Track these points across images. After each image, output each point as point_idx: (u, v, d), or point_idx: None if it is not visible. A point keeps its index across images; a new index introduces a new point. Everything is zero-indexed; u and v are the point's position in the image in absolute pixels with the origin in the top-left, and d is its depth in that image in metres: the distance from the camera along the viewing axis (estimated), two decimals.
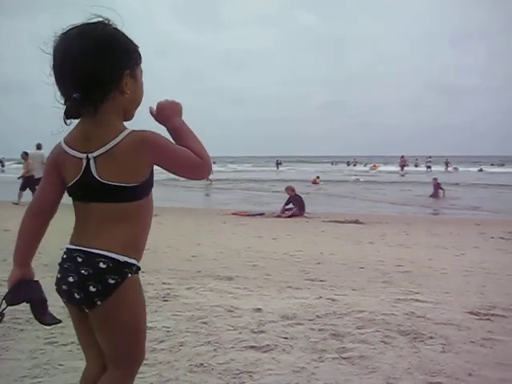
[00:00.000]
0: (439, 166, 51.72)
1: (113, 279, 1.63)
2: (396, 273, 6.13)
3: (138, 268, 1.74)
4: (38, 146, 16.85)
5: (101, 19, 1.67)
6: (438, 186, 22.54)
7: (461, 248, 8.47)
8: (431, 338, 3.63)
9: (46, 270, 4.16)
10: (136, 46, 1.73)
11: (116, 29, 1.69)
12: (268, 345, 3.45)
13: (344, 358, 3.25)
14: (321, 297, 4.73)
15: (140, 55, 1.75)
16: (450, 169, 50.11)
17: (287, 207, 15.00)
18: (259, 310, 4.26)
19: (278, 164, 61.69)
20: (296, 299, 4.66)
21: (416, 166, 55.22)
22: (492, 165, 62.05)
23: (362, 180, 33.57)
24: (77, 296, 1.66)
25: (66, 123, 1.65)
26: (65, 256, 1.72)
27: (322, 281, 5.58)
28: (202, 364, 3.13)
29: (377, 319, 4.02)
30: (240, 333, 3.70)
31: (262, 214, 14.85)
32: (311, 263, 6.71)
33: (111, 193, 1.65)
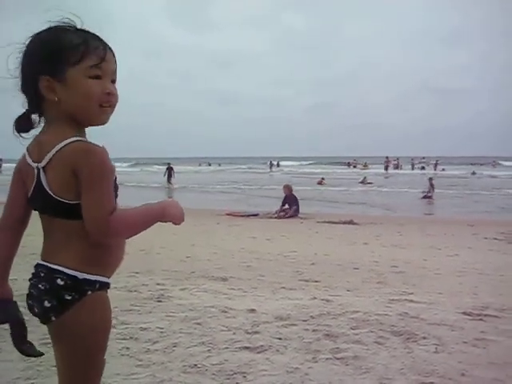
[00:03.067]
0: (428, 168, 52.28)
1: (69, 295, 1.56)
2: (390, 273, 6.14)
3: (104, 284, 1.65)
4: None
5: (54, 24, 1.61)
6: (431, 187, 22.72)
7: (454, 248, 8.51)
8: (424, 338, 3.64)
9: None
10: (75, 44, 1.57)
11: (56, 32, 1.60)
12: (262, 345, 3.45)
13: (338, 359, 3.25)
14: (315, 297, 4.74)
15: (83, 53, 1.57)
16: (437, 170, 50.46)
17: (284, 207, 15.02)
18: (253, 310, 4.26)
19: (272, 165, 61.48)
20: (290, 300, 4.66)
21: (412, 167, 55.43)
22: (481, 164, 62.35)
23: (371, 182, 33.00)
24: (36, 310, 1.62)
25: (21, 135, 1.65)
26: (33, 271, 1.65)
27: (316, 281, 5.59)
28: (195, 365, 3.14)
29: (371, 320, 4.03)
30: (234, 333, 3.70)
31: (256, 215, 14.85)
32: (305, 264, 6.72)
33: (60, 208, 1.56)
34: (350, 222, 12.58)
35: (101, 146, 1.57)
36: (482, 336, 3.72)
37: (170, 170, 30.24)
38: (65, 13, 1.62)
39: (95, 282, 1.62)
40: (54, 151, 1.53)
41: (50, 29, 1.61)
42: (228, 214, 14.56)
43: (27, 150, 1.63)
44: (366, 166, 60.21)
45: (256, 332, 3.73)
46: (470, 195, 24.23)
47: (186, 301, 4.57)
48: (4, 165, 46.20)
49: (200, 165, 77.63)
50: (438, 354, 3.38)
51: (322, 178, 33.19)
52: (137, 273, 5.74)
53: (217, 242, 8.79)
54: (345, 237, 10.01)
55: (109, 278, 1.68)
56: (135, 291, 4.88)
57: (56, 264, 1.58)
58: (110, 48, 1.65)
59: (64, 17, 1.62)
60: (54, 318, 1.59)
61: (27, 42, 1.60)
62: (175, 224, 1.64)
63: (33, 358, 3.11)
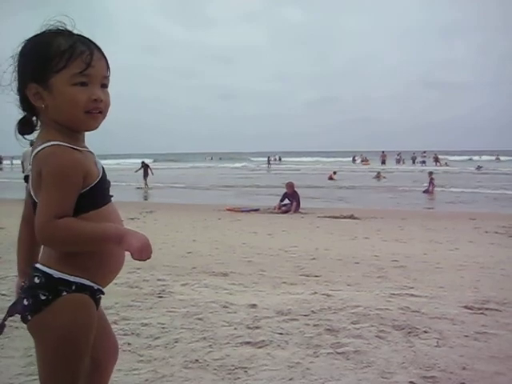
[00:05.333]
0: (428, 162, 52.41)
1: (44, 295, 1.56)
2: (391, 268, 6.14)
3: (84, 287, 1.62)
4: (32, 144, 16.93)
5: (49, 27, 1.63)
6: (431, 181, 22.74)
7: (455, 242, 8.50)
8: (426, 332, 3.64)
9: None
10: (60, 50, 1.57)
11: (47, 37, 1.61)
12: (263, 340, 3.45)
13: (339, 353, 3.25)
14: (316, 292, 4.74)
15: (66, 59, 1.57)
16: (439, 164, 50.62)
17: (283, 203, 15.06)
18: (254, 305, 4.26)
19: (270, 161, 61.36)
20: (291, 295, 4.66)
21: (414, 161, 55.59)
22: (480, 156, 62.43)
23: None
24: (18, 306, 1.64)
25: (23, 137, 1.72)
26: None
27: (317, 276, 5.59)
28: (197, 360, 3.14)
29: (371, 314, 4.03)
30: (235, 329, 3.70)
31: (256, 210, 14.86)
32: (306, 259, 6.72)
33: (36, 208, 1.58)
34: (351, 217, 12.58)
35: (82, 150, 1.63)
36: (484, 330, 3.71)
37: (145, 168, 26.68)
38: (59, 14, 1.63)
39: (72, 282, 1.60)
40: (32, 156, 1.58)
41: (41, 33, 1.62)
42: (229, 210, 14.55)
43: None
44: (366, 161, 59.89)
45: (257, 327, 3.74)
46: (473, 189, 24.22)
47: (187, 296, 4.57)
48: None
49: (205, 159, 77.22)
50: (440, 347, 3.37)
51: (334, 173, 32.66)
52: (138, 268, 5.74)
53: (218, 238, 8.79)
54: (346, 231, 10.00)
55: (98, 284, 1.67)
56: (136, 287, 4.89)
57: (38, 262, 1.63)
58: (100, 52, 1.65)
59: (58, 19, 1.63)
60: (29, 318, 1.60)
61: (20, 47, 1.63)
62: (135, 258, 1.52)
63: (35, 354, 3.14)
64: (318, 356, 3.22)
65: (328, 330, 3.69)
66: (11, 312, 1.69)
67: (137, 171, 26.88)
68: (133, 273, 5.47)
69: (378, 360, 3.14)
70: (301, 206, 14.97)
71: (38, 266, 1.61)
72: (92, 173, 1.61)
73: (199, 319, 3.92)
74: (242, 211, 14.42)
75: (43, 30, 1.62)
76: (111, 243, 1.56)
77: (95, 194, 1.62)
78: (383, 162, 52.38)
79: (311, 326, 3.76)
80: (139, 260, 1.51)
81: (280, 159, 70.39)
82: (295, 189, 15.47)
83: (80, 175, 1.57)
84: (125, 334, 3.55)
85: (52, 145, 1.55)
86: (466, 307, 4.28)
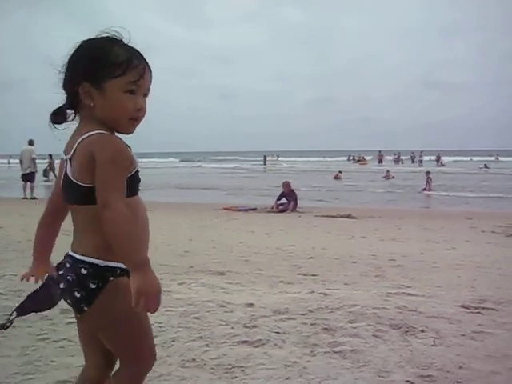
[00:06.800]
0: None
1: (93, 284, 1.67)
2: (388, 267, 6.15)
3: (125, 270, 1.68)
4: (30, 142, 16.87)
5: (105, 34, 1.76)
6: (429, 180, 23.10)
7: (452, 242, 8.53)
8: (422, 331, 3.64)
9: None
10: (118, 59, 1.72)
11: (97, 44, 1.76)
12: (260, 339, 3.45)
13: (336, 352, 3.26)
14: (313, 291, 4.74)
15: (124, 68, 1.71)
16: (439, 163, 50.72)
17: (279, 202, 15.07)
18: (251, 304, 4.26)
19: (266, 160, 61.26)
20: (288, 294, 4.66)
21: (413, 160, 55.63)
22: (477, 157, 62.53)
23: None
24: (68, 301, 1.76)
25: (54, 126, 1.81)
26: (60, 261, 1.80)
27: (314, 275, 5.60)
28: (194, 359, 3.14)
29: (369, 313, 4.03)
30: (232, 328, 3.70)
31: (254, 209, 14.85)
32: (303, 258, 6.73)
33: (77, 192, 1.69)
34: (348, 216, 12.58)
35: (124, 142, 1.74)
36: (480, 329, 3.72)
37: (50, 164, 24.49)
38: (115, 25, 1.78)
39: (116, 268, 1.72)
40: (79, 141, 1.69)
41: (98, 39, 1.77)
42: (226, 209, 14.54)
43: (64, 150, 1.79)
44: (363, 160, 59.79)
45: (254, 326, 3.73)
46: (472, 188, 24.29)
47: (184, 295, 4.57)
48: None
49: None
50: (436, 346, 3.38)
51: (340, 172, 32.65)
52: None
53: (215, 237, 8.79)
54: (343, 231, 10.02)
55: None
56: None
57: (79, 253, 1.72)
58: (149, 67, 1.81)
59: (114, 29, 1.78)
60: (85, 308, 1.71)
61: (77, 45, 1.76)
62: (135, 299, 1.56)
63: (32, 354, 3.15)
64: (314, 355, 3.22)
65: (325, 329, 3.69)
66: (25, 310, 1.75)
67: (46, 171, 25.90)
68: None
69: (375, 359, 3.15)
70: (298, 205, 14.97)
71: (82, 258, 1.70)
72: (134, 161, 1.75)
73: (196, 318, 3.91)
74: (239, 210, 14.42)
75: (99, 35, 1.76)
76: (131, 261, 1.60)
77: (134, 181, 1.76)
78: (380, 162, 52.64)
79: (308, 325, 3.76)
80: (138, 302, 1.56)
81: (278, 157, 70.31)
82: (292, 188, 15.47)
83: (130, 162, 1.71)
84: None
85: (101, 133, 1.68)
86: (462, 306, 4.29)
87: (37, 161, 17.41)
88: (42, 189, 20.43)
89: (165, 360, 3.12)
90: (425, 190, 22.92)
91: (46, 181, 25.80)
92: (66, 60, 1.76)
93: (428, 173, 24.05)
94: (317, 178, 31.83)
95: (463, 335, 3.59)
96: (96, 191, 1.62)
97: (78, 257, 1.71)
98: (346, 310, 4.14)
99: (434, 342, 3.45)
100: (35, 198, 16.65)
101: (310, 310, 4.12)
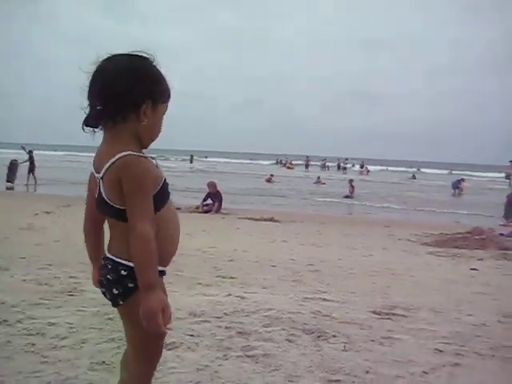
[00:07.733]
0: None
1: (131, 283, 1.86)
2: (306, 272, 6.25)
3: (159, 272, 1.86)
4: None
5: (144, 54, 1.89)
6: (351, 187, 23.92)
7: (370, 249, 8.79)
8: (334, 336, 3.73)
9: None
10: (168, 87, 1.92)
11: (154, 65, 1.90)
12: (173, 342, 3.40)
13: (248, 356, 3.27)
14: (230, 294, 4.75)
15: (169, 96, 1.94)
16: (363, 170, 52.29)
17: (205, 203, 14.99)
18: None
19: (193, 159, 60.93)
20: (205, 296, 4.65)
21: (339, 167, 56.87)
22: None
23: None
24: (108, 296, 1.97)
25: (83, 129, 1.87)
26: (102, 262, 2.00)
27: (232, 278, 5.60)
28: (103, 362, 3.06)
29: (284, 317, 4.08)
30: None
31: (178, 209, 14.62)
32: (224, 260, 6.73)
33: (112, 211, 1.86)
34: (271, 220, 12.69)
35: (148, 157, 1.87)
36: (389, 334, 3.85)
37: (31, 160, 21.77)
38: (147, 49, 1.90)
39: None
40: (108, 164, 1.80)
41: (149, 60, 1.89)
42: None
43: (93, 162, 1.91)
44: (290, 164, 60.22)
45: (168, 328, 3.68)
46: (393, 198, 25.11)
47: (99, 295, 4.39)
48: None
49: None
50: (346, 351, 3.46)
51: (271, 175, 33.04)
52: (50, 265, 5.56)
53: None
54: (265, 234, 10.10)
55: (163, 266, 2.01)
56: (46, 284, 4.72)
57: (119, 258, 1.89)
58: None
59: (149, 52, 1.90)
60: (121, 302, 1.92)
61: (133, 61, 1.87)
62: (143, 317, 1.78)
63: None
64: (227, 359, 3.22)
65: (239, 332, 3.70)
66: None
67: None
68: (44, 269, 5.31)
69: (286, 363, 3.18)
70: (223, 206, 14.96)
71: (121, 261, 1.88)
72: (159, 176, 1.89)
73: (110, 319, 3.81)
74: None
75: (148, 57, 1.89)
76: (140, 283, 1.79)
77: (163, 193, 1.91)
78: (307, 167, 53.75)
79: (223, 329, 3.76)
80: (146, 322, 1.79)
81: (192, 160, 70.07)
82: (217, 189, 15.43)
83: (155, 180, 1.86)
84: (29, 334, 3.42)
85: (128, 154, 1.78)
86: (374, 312, 4.42)
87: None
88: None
89: (73, 362, 3.04)
90: (348, 196, 23.57)
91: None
92: (122, 72, 1.83)
93: (351, 181, 24.99)
94: (249, 180, 31.94)
95: (373, 340, 3.70)
96: (127, 213, 1.79)
97: (118, 260, 1.89)
98: (262, 313, 4.16)
99: (344, 347, 3.54)
100: None
101: (225, 313, 4.12)
